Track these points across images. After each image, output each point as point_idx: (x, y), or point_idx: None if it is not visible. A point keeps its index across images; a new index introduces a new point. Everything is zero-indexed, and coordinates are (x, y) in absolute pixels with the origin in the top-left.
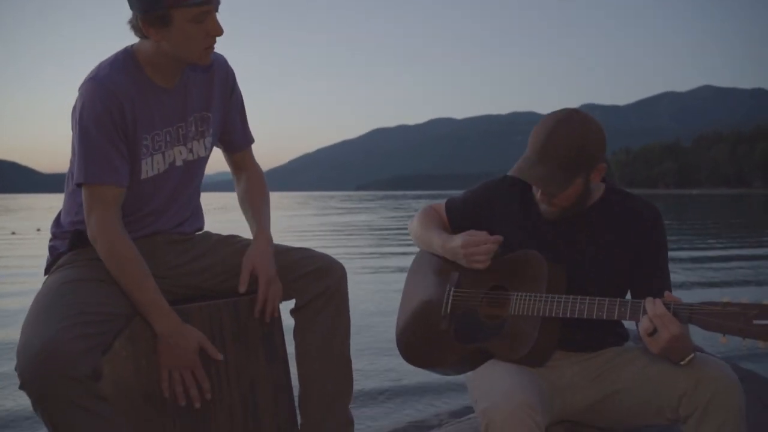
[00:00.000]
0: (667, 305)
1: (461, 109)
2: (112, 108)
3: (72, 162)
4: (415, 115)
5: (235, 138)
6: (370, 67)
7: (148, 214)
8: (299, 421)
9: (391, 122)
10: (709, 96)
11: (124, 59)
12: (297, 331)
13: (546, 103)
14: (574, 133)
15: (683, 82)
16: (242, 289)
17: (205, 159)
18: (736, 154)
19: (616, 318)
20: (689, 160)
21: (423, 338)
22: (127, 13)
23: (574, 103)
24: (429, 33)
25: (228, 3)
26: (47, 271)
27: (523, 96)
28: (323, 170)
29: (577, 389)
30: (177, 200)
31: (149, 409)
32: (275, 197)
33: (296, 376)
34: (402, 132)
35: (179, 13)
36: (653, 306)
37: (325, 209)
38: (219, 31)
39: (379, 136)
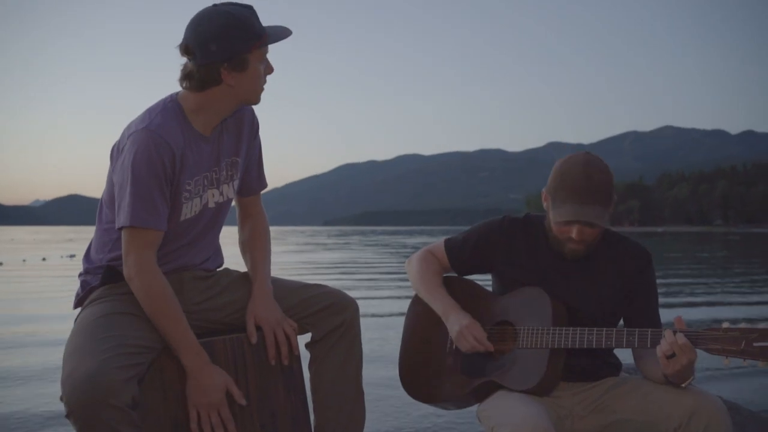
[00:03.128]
0: (674, 331)
1: (429, 146)
2: (165, 157)
3: (103, 200)
4: (384, 152)
5: (251, 181)
6: (339, 103)
7: (178, 249)
8: None
9: (359, 158)
10: (671, 136)
11: (173, 108)
12: (312, 363)
13: (512, 141)
14: (606, 175)
15: (646, 122)
16: (252, 340)
17: (231, 200)
18: (697, 193)
19: (624, 347)
20: (653, 198)
21: (428, 374)
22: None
23: (540, 141)
24: (396, 70)
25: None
26: (79, 304)
27: (490, 133)
28: (291, 205)
29: (577, 419)
30: (205, 237)
31: None
32: None
33: (311, 405)
34: (370, 168)
35: (254, 57)
36: (674, 336)
37: (298, 245)
38: (271, 69)
39: (347, 171)
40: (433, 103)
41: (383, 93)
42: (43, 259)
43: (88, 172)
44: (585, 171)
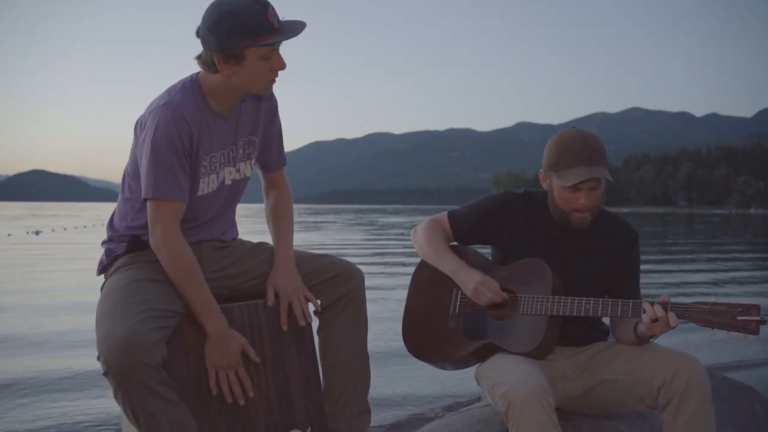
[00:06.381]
0: (664, 305)
1: (400, 125)
2: (182, 132)
3: (126, 171)
4: (354, 130)
5: (272, 159)
6: (308, 80)
7: (200, 225)
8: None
9: (329, 136)
10: (637, 117)
11: (192, 88)
12: (321, 330)
13: (483, 121)
14: (600, 141)
15: (614, 104)
16: (269, 303)
17: (248, 178)
18: (662, 174)
19: (619, 316)
20: (619, 179)
21: (431, 336)
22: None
23: (509, 121)
24: (366, 49)
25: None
26: (104, 270)
27: (460, 113)
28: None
29: (568, 380)
30: (224, 214)
31: (198, 398)
32: None
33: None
34: (340, 146)
35: (252, 52)
36: (652, 309)
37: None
38: (282, 66)
39: (317, 149)
40: (403, 81)
41: (353, 70)
42: (9, 235)
43: (54, 148)
44: (582, 138)
